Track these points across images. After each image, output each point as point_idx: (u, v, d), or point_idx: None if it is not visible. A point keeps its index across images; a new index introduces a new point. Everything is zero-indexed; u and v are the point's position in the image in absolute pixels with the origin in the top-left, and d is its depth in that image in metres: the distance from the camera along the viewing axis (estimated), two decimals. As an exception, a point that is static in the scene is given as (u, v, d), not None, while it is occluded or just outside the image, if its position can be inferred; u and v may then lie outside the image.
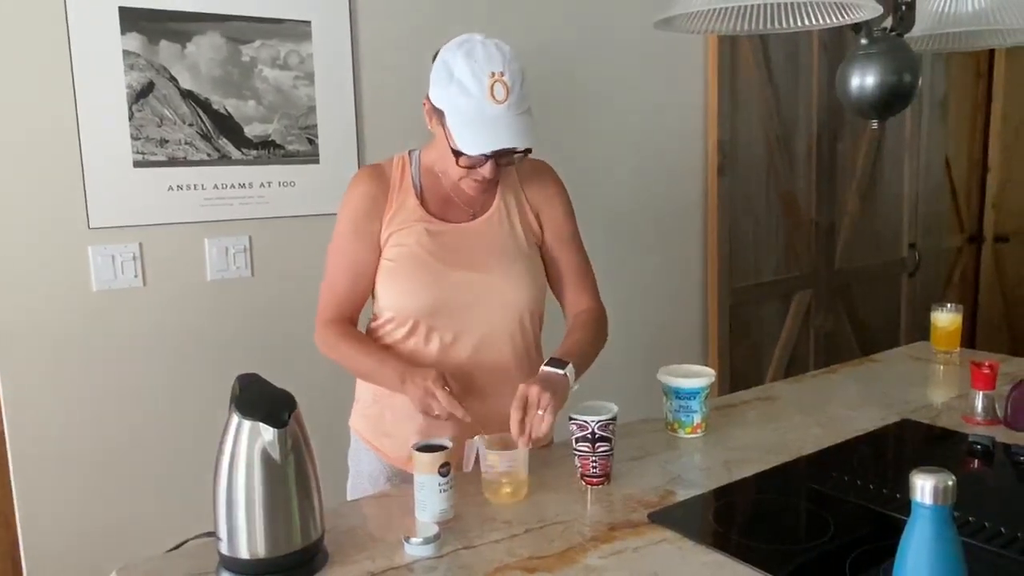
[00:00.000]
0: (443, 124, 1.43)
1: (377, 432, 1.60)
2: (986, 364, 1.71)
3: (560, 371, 1.44)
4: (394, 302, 1.53)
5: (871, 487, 1.38)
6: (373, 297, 1.59)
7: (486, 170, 1.44)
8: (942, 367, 2.18)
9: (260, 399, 1.13)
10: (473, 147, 1.40)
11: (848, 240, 3.54)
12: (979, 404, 1.70)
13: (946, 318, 2.21)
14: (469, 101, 1.38)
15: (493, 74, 1.37)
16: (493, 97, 1.37)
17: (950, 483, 0.83)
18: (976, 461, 1.53)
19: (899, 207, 3.77)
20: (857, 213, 3.55)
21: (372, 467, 1.61)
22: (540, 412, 1.35)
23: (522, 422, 1.35)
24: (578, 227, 1.68)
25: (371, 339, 1.58)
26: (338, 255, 1.56)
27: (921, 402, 1.86)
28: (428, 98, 1.46)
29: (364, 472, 1.62)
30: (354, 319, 1.59)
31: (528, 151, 1.47)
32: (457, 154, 1.42)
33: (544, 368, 1.45)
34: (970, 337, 4.21)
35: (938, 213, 3.97)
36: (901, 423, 1.72)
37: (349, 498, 1.61)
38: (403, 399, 1.47)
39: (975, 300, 4.37)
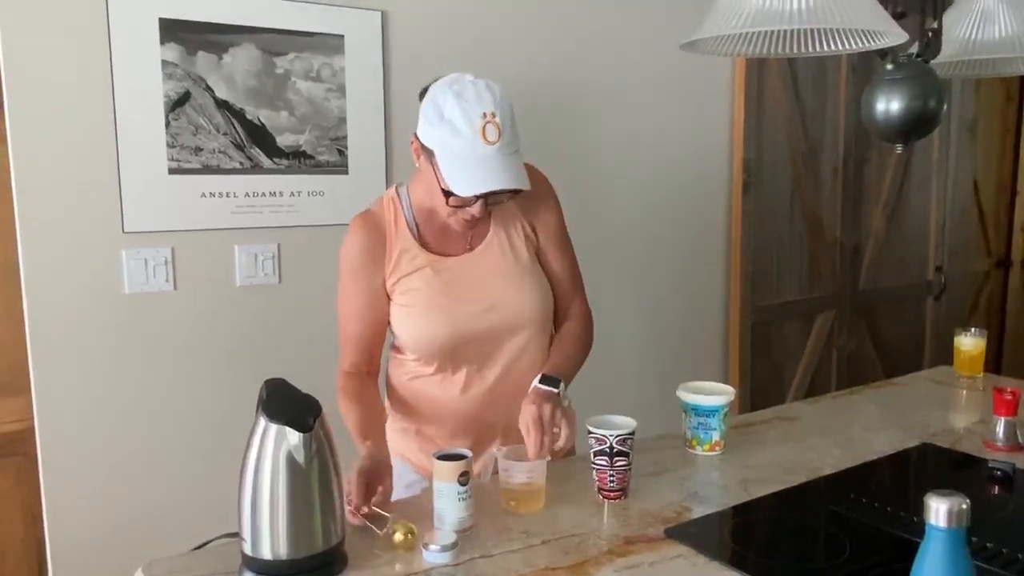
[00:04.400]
0: (432, 163, 1.41)
1: (412, 447, 1.62)
2: (1008, 390, 1.70)
3: (554, 389, 1.46)
4: (414, 344, 1.55)
5: (889, 510, 1.37)
6: (392, 333, 1.61)
7: (475, 209, 1.43)
8: (965, 392, 2.17)
9: (286, 403, 1.16)
10: (464, 188, 1.38)
11: (873, 261, 3.52)
12: (1000, 430, 1.69)
13: (970, 342, 2.20)
14: (460, 141, 1.37)
15: (485, 115, 1.36)
16: (485, 138, 1.36)
17: (964, 506, 0.84)
18: (996, 487, 1.53)
19: (926, 230, 3.75)
20: (883, 235, 3.54)
21: (409, 479, 1.62)
22: (556, 430, 1.39)
23: (539, 442, 1.37)
24: (569, 229, 1.69)
25: (365, 403, 1.51)
26: (345, 307, 1.57)
27: (942, 426, 1.85)
28: (416, 136, 1.45)
29: (400, 484, 1.59)
30: (372, 366, 1.58)
31: (517, 192, 1.45)
32: (447, 194, 1.41)
33: (539, 387, 1.46)
34: (996, 362, 4.16)
35: (965, 236, 3.94)
36: (921, 447, 1.71)
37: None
38: (440, 421, 1.56)
39: (1002, 325, 4.32)
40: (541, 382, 1.47)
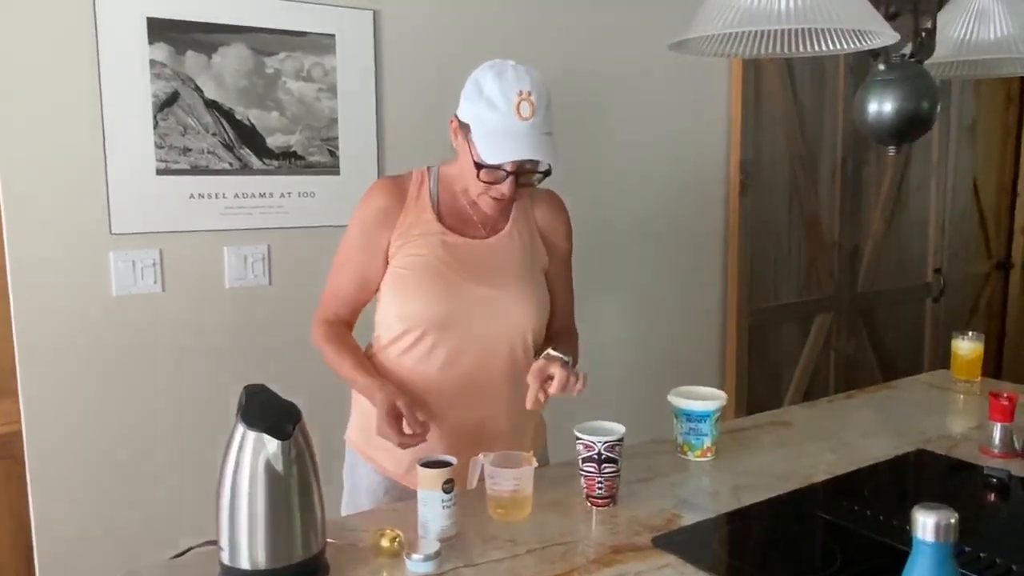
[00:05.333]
0: (468, 138, 1.46)
1: (375, 445, 1.59)
2: (1005, 395, 1.68)
3: (565, 357, 1.48)
4: (404, 310, 1.54)
5: (881, 518, 1.35)
6: (375, 311, 1.60)
7: (505, 186, 1.46)
8: (962, 396, 2.14)
9: (265, 410, 1.14)
10: (495, 156, 1.43)
11: (872, 263, 3.50)
12: (996, 436, 1.67)
13: (967, 346, 2.18)
14: (495, 115, 1.42)
15: (521, 92, 1.41)
16: (519, 113, 1.41)
17: (952, 520, 0.82)
18: (991, 495, 1.50)
19: (925, 231, 3.73)
20: (881, 236, 3.51)
21: (370, 480, 1.61)
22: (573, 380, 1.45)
23: (542, 391, 1.43)
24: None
25: (356, 347, 1.60)
26: (344, 260, 1.59)
27: (938, 432, 1.83)
28: (456, 115, 1.50)
29: (361, 486, 1.62)
30: (351, 322, 1.64)
31: (547, 173, 1.50)
32: (479, 167, 1.44)
33: (551, 352, 1.49)
34: (996, 366, 4.14)
35: (965, 238, 3.91)
36: (916, 453, 1.69)
37: (343, 513, 1.60)
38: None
39: (1002, 328, 4.29)
40: (555, 350, 1.51)
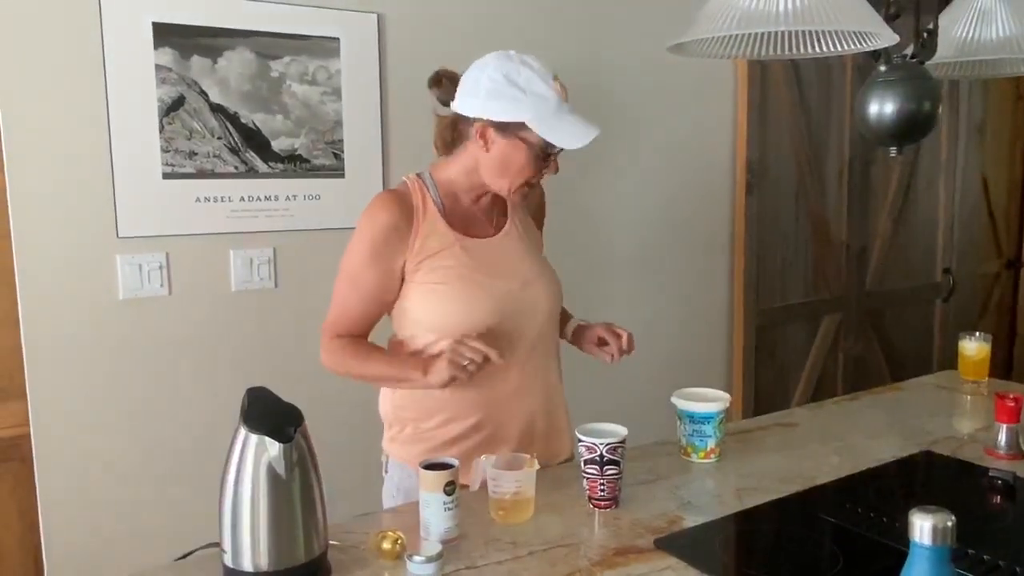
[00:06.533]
0: (518, 135, 1.45)
1: (417, 452, 1.55)
2: (1011, 396, 1.67)
3: None
4: (445, 321, 1.49)
5: (884, 520, 1.35)
6: (397, 317, 1.57)
7: (551, 168, 1.51)
8: (969, 397, 2.13)
9: (267, 413, 1.15)
10: (573, 139, 1.45)
11: (880, 263, 3.48)
12: (1002, 438, 1.66)
13: (974, 347, 2.17)
14: (549, 105, 1.44)
15: (554, 76, 1.46)
16: (564, 95, 1.46)
17: (949, 523, 0.82)
18: (996, 497, 1.50)
19: (933, 231, 3.71)
20: (890, 236, 3.50)
21: (410, 484, 1.55)
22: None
23: (619, 345, 1.60)
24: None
25: (377, 345, 1.57)
26: (354, 280, 1.52)
27: (944, 433, 1.82)
28: (485, 119, 1.45)
29: (407, 490, 1.56)
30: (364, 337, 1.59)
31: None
32: (545, 156, 1.47)
33: (583, 321, 1.69)
34: (1006, 366, 4.11)
35: (974, 237, 3.89)
36: (921, 455, 1.68)
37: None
38: (444, 416, 1.53)
39: (1012, 327, 4.27)
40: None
